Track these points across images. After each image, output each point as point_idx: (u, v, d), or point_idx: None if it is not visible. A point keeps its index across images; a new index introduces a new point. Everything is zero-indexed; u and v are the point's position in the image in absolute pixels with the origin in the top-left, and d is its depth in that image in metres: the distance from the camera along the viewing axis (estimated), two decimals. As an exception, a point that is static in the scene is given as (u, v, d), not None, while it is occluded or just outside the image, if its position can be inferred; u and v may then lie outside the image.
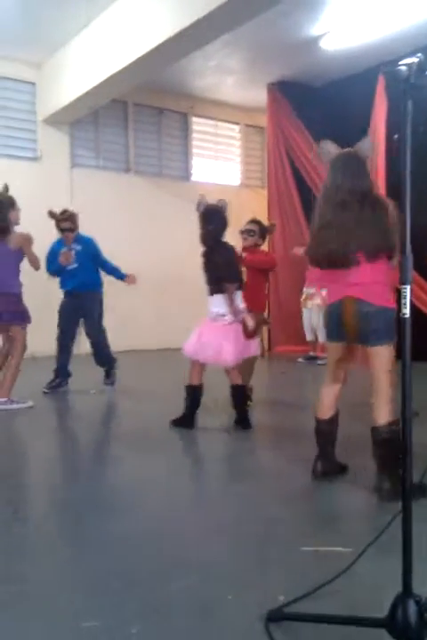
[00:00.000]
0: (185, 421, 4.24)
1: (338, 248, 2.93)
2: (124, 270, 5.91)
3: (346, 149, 3.08)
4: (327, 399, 3.18)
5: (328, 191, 3.08)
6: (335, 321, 3.04)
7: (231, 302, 4.11)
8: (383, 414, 2.90)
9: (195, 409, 4.29)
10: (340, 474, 3.20)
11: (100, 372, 5.76)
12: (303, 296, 7.70)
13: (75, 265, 5.55)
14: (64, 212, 5.56)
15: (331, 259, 2.98)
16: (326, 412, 3.17)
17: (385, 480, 2.86)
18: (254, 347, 4.33)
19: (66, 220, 5.50)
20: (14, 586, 2.08)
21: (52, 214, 5.44)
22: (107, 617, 1.86)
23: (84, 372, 5.89)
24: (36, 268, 5.01)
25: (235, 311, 4.13)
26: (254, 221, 5.12)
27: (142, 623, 1.83)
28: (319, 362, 7.51)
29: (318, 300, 7.47)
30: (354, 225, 2.89)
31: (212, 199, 4.34)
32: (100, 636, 1.77)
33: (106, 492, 3.14)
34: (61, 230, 5.50)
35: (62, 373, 5.61)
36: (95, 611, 1.90)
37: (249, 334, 4.16)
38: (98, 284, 5.80)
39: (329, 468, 3.17)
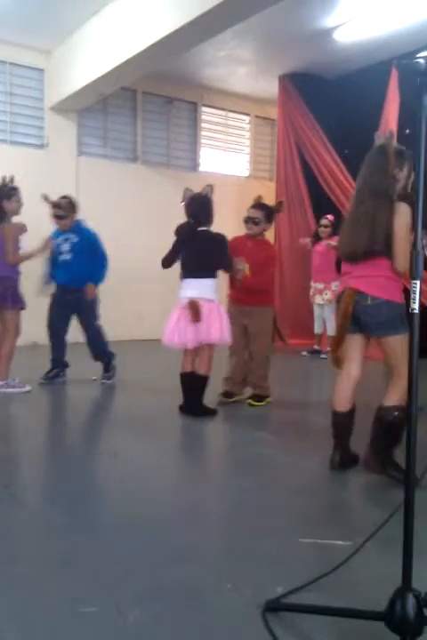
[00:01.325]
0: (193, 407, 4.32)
1: (348, 242, 3.08)
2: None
3: (378, 145, 3.09)
4: (343, 392, 3.20)
5: (356, 185, 3.22)
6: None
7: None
8: (391, 397, 3.01)
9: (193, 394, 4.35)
10: (355, 464, 3.23)
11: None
12: (312, 290, 7.66)
13: (67, 257, 5.32)
14: (63, 198, 5.39)
15: (343, 251, 3.16)
16: (343, 405, 3.19)
17: (373, 456, 3.08)
18: (215, 334, 4.24)
19: (55, 207, 5.30)
20: (12, 570, 2.09)
21: (45, 199, 5.24)
22: (105, 603, 1.87)
23: (85, 360, 5.80)
24: (10, 260, 4.88)
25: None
26: (258, 206, 4.76)
27: (140, 609, 1.83)
28: (323, 356, 7.51)
29: (328, 295, 7.45)
30: (363, 220, 2.99)
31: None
32: (97, 622, 1.78)
33: (106, 479, 3.15)
34: (54, 217, 5.35)
35: (58, 364, 5.46)
36: (93, 596, 1.90)
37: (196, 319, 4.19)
38: (93, 280, 5.43)
39: (346, 459, 3.22)
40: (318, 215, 7.95)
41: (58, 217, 5.34)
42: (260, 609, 1.81)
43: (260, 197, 4.85)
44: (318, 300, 7.58)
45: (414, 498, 1.62)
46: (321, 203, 8.22)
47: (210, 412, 4.36)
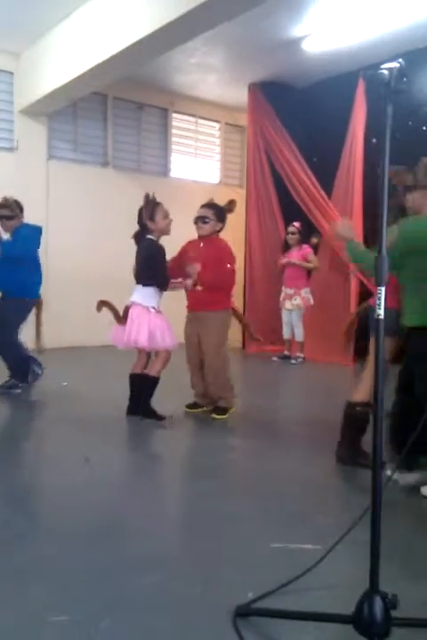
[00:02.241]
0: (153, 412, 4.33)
1: None
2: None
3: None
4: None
5: None
6: None
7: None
8: (357, 395, 3.36)
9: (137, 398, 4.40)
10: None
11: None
12: (282, 295, 7.75)
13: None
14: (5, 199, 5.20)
15: None
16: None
17: (341, 446, 3.41)
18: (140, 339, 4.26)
19: (2, 208, 5.13)
20: (-19, 579, 2.06)
21: None
22: (75, 611, 1.86)
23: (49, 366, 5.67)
24: None
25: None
26: (208, 206, 4.65)
27: (111, 617, 1.82)
28: (293, 361, 7.58)
29: (297, 300, 7.56)
30: None
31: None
32: (68, 631, 1.77)
33: (74, 488, 3.12)
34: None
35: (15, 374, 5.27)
36: (64, 605, 1.89)
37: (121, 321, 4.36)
38: (21, 291, 5.11)
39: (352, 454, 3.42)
40: (288, 222, 8.03)
41: (5, 218, 5.15)
42: (230, 614, 1.81)
43: (211, 199, 4.78)
44: (287, 305, 7.67)
45: (381, 503, 1.65)
46: (291, 210, 8.30)
47: (156, 416, 4.30)
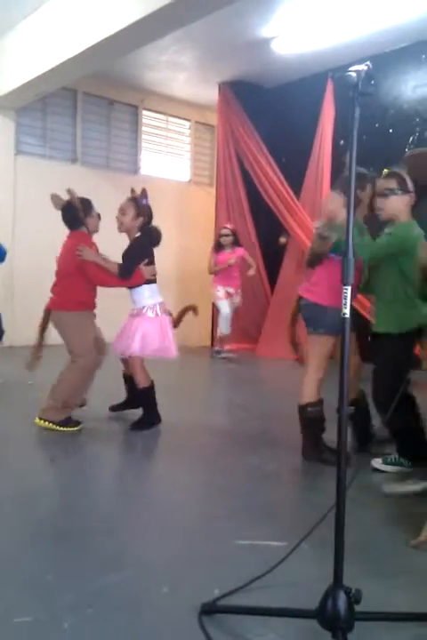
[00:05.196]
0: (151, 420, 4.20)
1: None
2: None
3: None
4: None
5: None
6: None
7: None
8: (304, 397, 3.43)
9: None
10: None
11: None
12: (222, 293, 7.75)
13: None
14: None
15: None
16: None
17: (305, 444, 3.47)
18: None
19: None
20: None
21: None
22: (39, 612, 1.83)
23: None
24: None
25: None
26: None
27: (75, 617, 1.81)
28: (224, 355, 7.74)
29: (237, 300, 7.75)
30: None
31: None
32: (32, 631, 1.75)
33: (37, 486, 3.08)
34: None
35: None
36: (27, 606, 1.87)
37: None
38: None
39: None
40: (257, 221, 8.07)
41: None
42: (196, 612, 1.82)
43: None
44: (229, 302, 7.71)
45: (345, 500, 1.68)
46: (260, 209, 8.35)
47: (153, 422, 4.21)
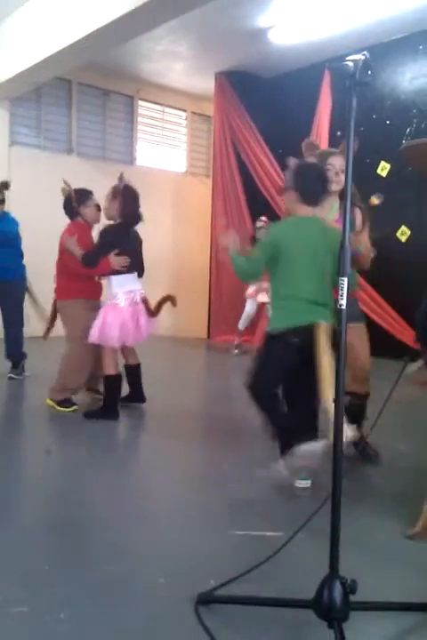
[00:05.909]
0: (107, 413, 4.12)
1: None
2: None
3: None
4: None
5: None
6: None
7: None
8: None
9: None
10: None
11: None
12: (256, 287, 7.64)
13: None
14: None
15: None
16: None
17: None
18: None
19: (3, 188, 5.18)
20: None
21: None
22: (36, 602, 1.84)
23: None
24: None
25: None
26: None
27: (72, 608, 1.81)
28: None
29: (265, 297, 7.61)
30: None
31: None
32: (29, 622, 1.75)
33: (35, 479, 3.08)
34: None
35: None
36: (24, 596, 1.87)
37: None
38: (16, 272, 5.32)
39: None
40: (254, 212, 8.04)
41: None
42: (192, 602, 1.82)
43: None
44: (260, 297, 7.56)
45: (340, 490, 1.68)
46: (256, 200, 8.33)
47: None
